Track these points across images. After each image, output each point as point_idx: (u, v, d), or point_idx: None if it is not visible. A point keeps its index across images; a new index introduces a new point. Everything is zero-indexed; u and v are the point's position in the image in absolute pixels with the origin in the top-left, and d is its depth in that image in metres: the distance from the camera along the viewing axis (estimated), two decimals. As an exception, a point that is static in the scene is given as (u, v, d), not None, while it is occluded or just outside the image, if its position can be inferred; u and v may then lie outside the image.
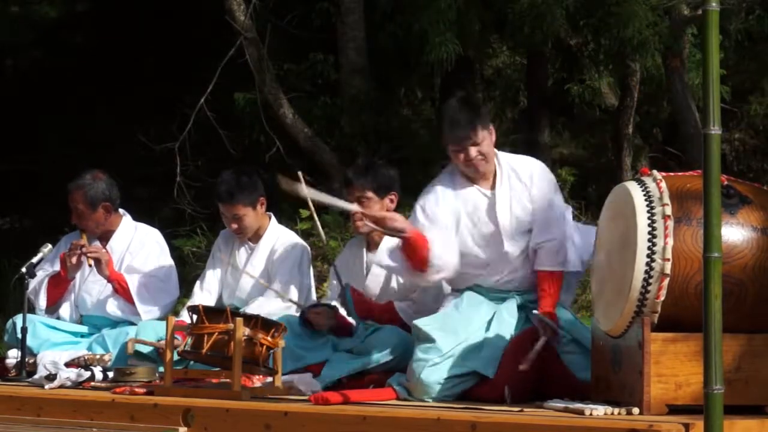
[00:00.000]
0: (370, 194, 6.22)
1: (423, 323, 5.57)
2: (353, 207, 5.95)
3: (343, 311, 6.26)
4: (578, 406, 4.85)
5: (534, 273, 5.71)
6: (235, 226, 6.69)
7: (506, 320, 5.60)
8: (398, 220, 5.59)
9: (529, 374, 5.37)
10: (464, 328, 5.54)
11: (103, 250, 6.84)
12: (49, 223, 13.60)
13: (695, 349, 4.64)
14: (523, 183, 5.75)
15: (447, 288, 5.97)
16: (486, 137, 5.69)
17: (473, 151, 5.67)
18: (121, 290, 6.81)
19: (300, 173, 6.18)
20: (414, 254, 5.58)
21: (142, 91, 13.85)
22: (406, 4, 11.48)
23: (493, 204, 5.73)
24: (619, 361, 4.96)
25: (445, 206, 5.73)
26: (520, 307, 5.68)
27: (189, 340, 5.67)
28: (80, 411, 5.59)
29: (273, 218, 6.84)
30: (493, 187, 5.77)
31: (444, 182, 5.82)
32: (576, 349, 5.53)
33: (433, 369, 5.39)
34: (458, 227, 5.73)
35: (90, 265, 6.80)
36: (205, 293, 6.80)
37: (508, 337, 5.52)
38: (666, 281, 4.72)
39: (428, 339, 5.49)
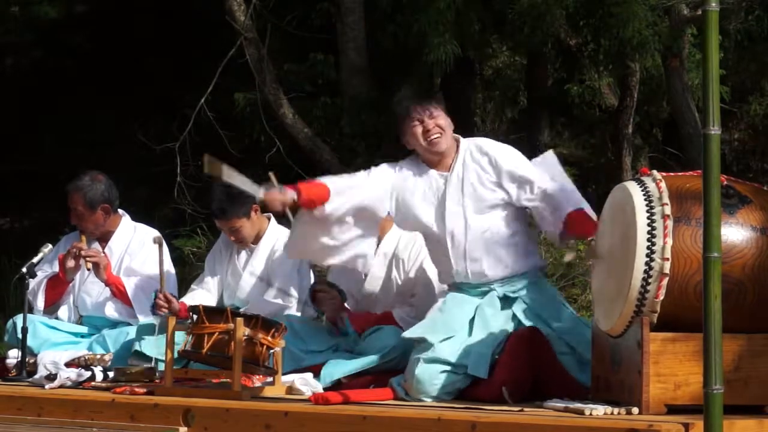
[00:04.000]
0: None
1: (410, 333, 5.64)
2: (260, 192, 5.90)
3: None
4: (578, 406, 4.86)
5: (511, 257, 5.74)
6: (233, 238, 6.73)
7: (488, 316, 5.62)
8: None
9: (526, 375, 5.38)
10: (449, 326, 5.58)
11: (102, 254, 6.84)
12: (49, 223, 13.59)
13: (694, 348, 4.64)
14: (484, 165, 5.78)
15: (443, 286, 6.00)
16: (441, 113, 5.81)
17: (431, 123, 5.75)
18: (118, 294, 6.81)
19: (271, 174, 6.19)
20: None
21: (142, 91, 13.83)
22: (406, 4, 11.47)
23: (447, 185, 5.77)
24: (618, 361, 4.97)
25: (390, 176, 5.86)
26: (502, 299, 5.69)
27: (189, 340, 5.68)
28: (80, 411, 5.60)
29: (272, 219, 6.84)
30: (449, 170, 5.81)
31: (408, 163, 5.92)
32: (567, 350, 5.55)
33: (428, 366, 5.40)
34: (413, 207, 5.81)
35: (88, 269, 6.80)
36: (204, 292, 6.80)
37: (493, 332, 5.53)
38: (665, 281, 4.73)
39: (420, 340, 5.53)
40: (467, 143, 5.86)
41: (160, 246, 6.51)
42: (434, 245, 5.86)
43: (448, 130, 5.81)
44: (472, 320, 5.62)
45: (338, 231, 5.85)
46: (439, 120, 5.79)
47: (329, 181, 5.84)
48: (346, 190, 5.80)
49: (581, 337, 5.50)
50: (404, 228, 6.06)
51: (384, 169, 5.91)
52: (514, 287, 5.71)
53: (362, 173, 5.91)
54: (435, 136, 5.77)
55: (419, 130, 5.78)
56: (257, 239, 6.77)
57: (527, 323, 5.58)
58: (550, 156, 5.93)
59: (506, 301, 5.70)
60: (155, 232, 7.07)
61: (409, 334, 5.65)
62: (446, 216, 5.75)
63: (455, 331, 5.56)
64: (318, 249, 5.96)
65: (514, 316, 5.64)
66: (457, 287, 5.79)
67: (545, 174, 5.77)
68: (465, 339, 5.53)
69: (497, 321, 5.60)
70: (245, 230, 6.69)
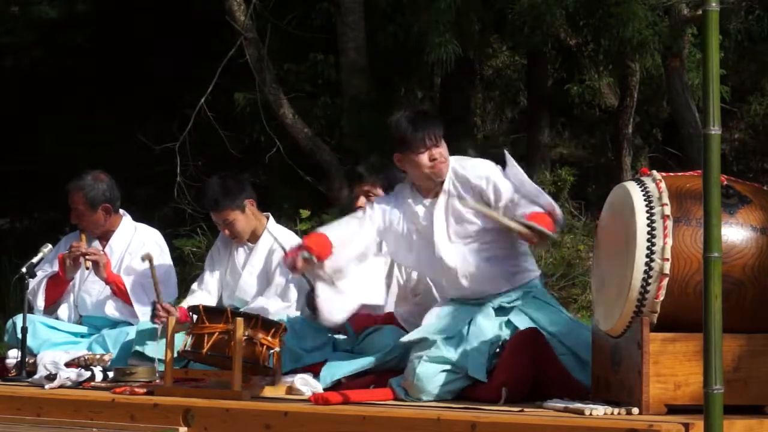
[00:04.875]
0: (379, 191, 6.24)
1: (408, 337, 5.65)
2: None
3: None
4: (578, 406, 4.85)
5: (503, 275, 5.72)
6: (227, 231, 6.71)
7: (481, 324, 5.60)
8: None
9: (527, 374, 5.38)
10: (446, 330, 5.58)
11: (102, 253, 6.84)
12: (49, 223, 13.61)
13: (694, 349, 4.64)
14: (462, 190, 5.71)
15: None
16: (442, 139, 5.70)
17: (436, 151, 5.67)
18: (119, 292, 6.81)
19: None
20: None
21: (142, 91, 13.84)
22: (406, 4, 11.49)
23: (431, 212, 5.73)
24: (618, 361, 4.97)
25: (377, 220, 5.78)
26: (497, 310, 5.69)
27: (189, 340, 5.68)
28: (80, 411, 5.60)
29: (271, 218, 6.84)
30: (435, 197, 5.75)
31: (396, 196, 5.85)
32: (565, 351, 5.55)
33: (429, 365, 5.40)
34: (404, 238, 5.76)
35: (87, 268, 6.80)
36: (205, 293, 6.80)
37: (488, 338, 5.53)
38: (665, 281, 4.72)
39: (419, 340, 5.54)
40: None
41: (151, 261, 6.48)
42: (427, 273, 5.91)
43: (447, 156, 5.73)
44: (467, 325, 5.61)
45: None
46: (442, 147, 5.68)
47: (330, 234, 5.71)
48: (346, 243, 5.69)
49: (578, 339, 5.50)
50: (398, 261, 6.00)
51: (372, 214, 5.79)
52: (510, 298, 5.71)
53: (355, 221, 5.80)
54: (440, 164, 5.68)
55: (425, 157, 5.67)
56: (256, 238, 6.77)
57: (523, 328, 5.58)
58: (512, 164, 5.79)
59: (501, 311, 5.69)
60: (156, 232, 7.09)
61: (407, 338, 5.64)
62: (436, 245, 5.69)
63: (452, 332, 5.56)
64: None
65: (509, 323, 5.64)
66: (453, 301, 5.80)
67: (513, 183, 5.70)
68: (462, 341, 5.53)
69: (491, 328, 5.58)
70: (239, 224, 6.68)
